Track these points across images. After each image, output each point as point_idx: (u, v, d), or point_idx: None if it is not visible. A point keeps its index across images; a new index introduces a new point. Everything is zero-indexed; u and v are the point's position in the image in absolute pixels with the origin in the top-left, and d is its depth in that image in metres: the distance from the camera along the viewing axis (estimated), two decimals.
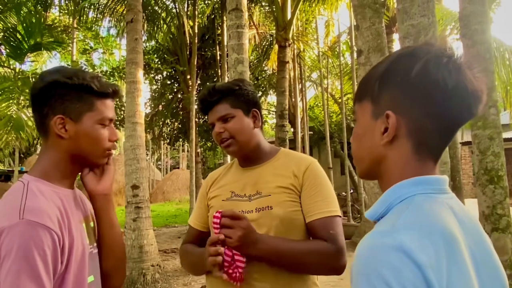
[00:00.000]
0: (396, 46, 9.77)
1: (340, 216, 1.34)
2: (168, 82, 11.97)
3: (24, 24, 8.66)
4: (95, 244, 1.15)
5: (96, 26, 10.98)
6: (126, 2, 7.26)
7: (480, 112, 0.71)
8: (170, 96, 12.09)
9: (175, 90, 12.07)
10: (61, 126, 1.04)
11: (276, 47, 9.19)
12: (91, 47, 13.56)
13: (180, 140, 14.31)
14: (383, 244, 0.61)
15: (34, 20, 8.66)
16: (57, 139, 1.05)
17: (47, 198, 0.99)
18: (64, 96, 1.04)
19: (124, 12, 7.88)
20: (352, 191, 12.05)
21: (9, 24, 9.14)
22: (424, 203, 0.67)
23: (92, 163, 1.12)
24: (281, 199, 1.34)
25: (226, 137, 1.38)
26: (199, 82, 11.30)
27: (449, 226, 0.64)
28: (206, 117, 1.62)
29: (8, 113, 9.47)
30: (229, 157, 6.42)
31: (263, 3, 10.66)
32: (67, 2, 10.11)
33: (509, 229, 2.88)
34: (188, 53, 10.35)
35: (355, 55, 8.86)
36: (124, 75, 8.21)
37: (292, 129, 12.24)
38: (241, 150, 1.41)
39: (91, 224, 1.17)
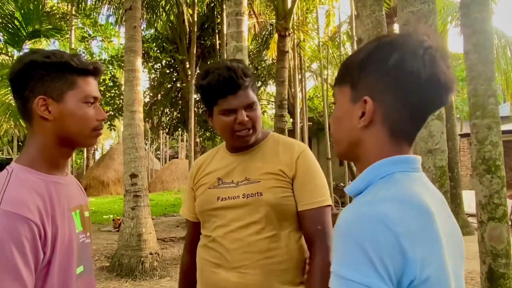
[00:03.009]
0: None
1: (330, 205, 1.33)
2: (167, 71, 11.89)
3: (22, 11, 8.57)
4: (88, 234, 1.12)
5: (94, 14, 10.89)
6: None
7: (449, 101, 0.75)
8: (169, 85, 12.02)
9: (174, 79, 12.00)
10: (44, 107, 1.00)
11: (276, 36, 9.12)
12: (89, 35, 13.48)
13: (179, 129, 14.28)
14: (364, 212, 0.66)
15: (32, 7, 8.57)
16: (41, 122, 1.01)
17: (29, 187, 0.95)
18: (43, 76, 1.00)
19: None
20: (350, 182, 12.08)
21: (6, 11, 9.04)
22: (402, 180, 0.72)
23: (81, 143, 1.08)
24: (270, 185, 1.31)
25: (249, 126, 1.31)
26: (198, 71, 11.23)
27: (424, 200, 0.69)
28: (203, 107, 1.56)
29: (7, 101, 9.44)
30: None
31: None
32: None
33: (506, 218, 2.89)
34: (187, 41, 10.27)
35: (355, 45, 8.80)
36: (122, 63, 8.16)
37: (291, 120, 12.22)
38: (252, 140, 1.35)
39: (86, 213, 1.14)
